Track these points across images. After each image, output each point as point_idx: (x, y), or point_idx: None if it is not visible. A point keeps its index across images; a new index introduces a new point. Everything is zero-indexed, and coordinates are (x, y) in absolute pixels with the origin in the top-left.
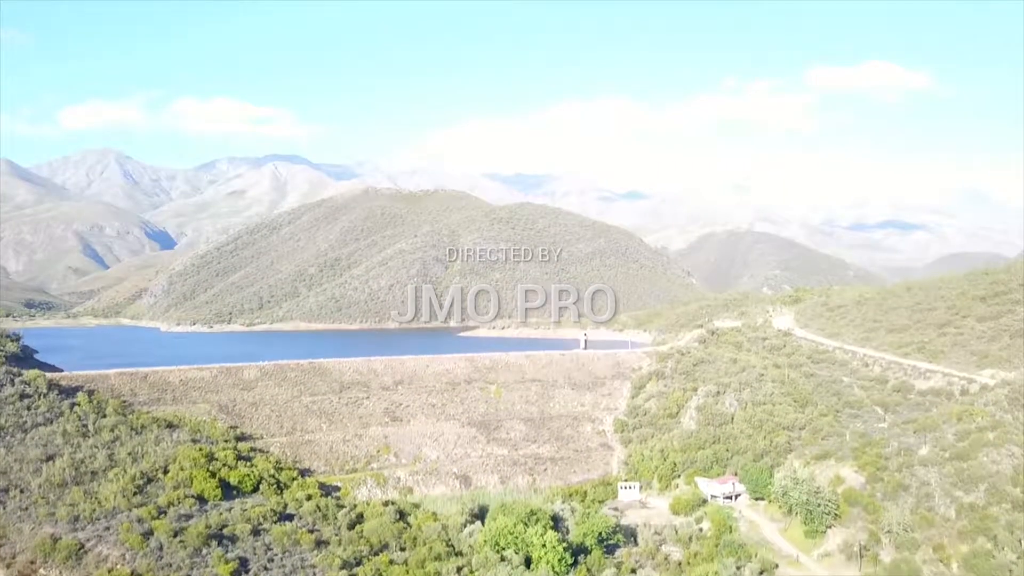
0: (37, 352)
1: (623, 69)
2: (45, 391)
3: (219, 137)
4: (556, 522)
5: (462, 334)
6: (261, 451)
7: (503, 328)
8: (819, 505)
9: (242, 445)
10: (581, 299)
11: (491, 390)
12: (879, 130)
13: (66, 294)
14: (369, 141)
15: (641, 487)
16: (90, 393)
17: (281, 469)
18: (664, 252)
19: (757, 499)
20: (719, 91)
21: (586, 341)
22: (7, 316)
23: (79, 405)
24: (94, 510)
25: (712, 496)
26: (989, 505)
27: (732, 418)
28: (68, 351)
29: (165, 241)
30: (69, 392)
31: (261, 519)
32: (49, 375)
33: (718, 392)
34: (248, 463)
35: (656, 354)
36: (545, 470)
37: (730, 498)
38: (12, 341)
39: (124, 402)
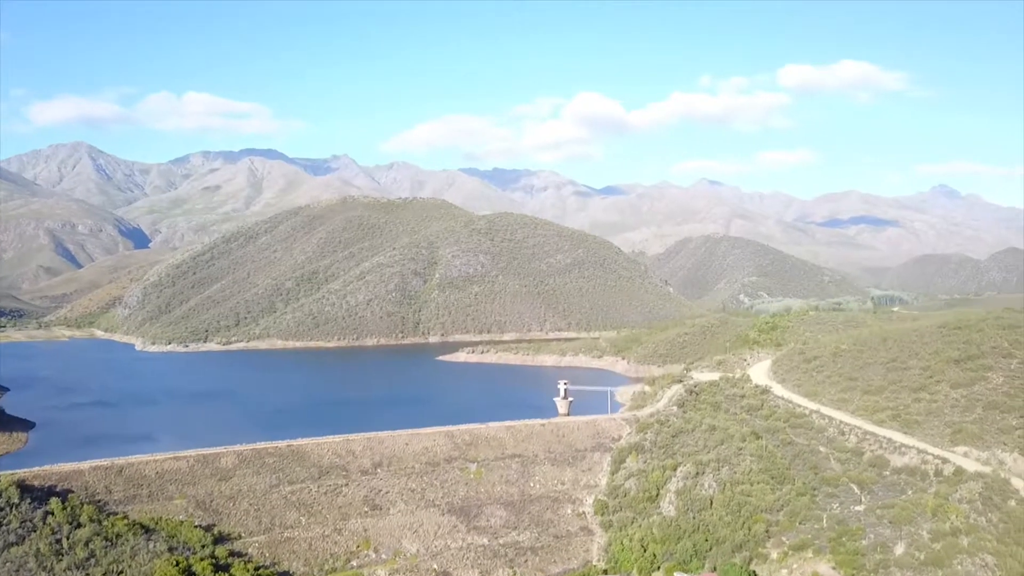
0: (8, 390)
1: (599, 66)
2: (17, 500)
3: (194, 133)
4: None
5: (441, 358)
6: (239, 554)
7: (482, 352)
8: None
9: (220, 550)
10: (560, 312)
11: (471, 470)
12: (853, 129)
13: (38, 298)
14: (347, 136)
15: None
16: (64, 497)
17: None
18: (642, 257)
19: None
20: (695, 89)
21: (566, 390)
22: None
23: (52, 515)
24: None
25: None
26: None
27: (711, 502)
28: (39, 385)
29: (139, 238)
30: (42, 497)
31: None
32: (21, 473)
33: (696, 473)
34: (226, 574)
35: (636, 422)
36: (525, 561)
37: None
38: None
39: (99, 503)
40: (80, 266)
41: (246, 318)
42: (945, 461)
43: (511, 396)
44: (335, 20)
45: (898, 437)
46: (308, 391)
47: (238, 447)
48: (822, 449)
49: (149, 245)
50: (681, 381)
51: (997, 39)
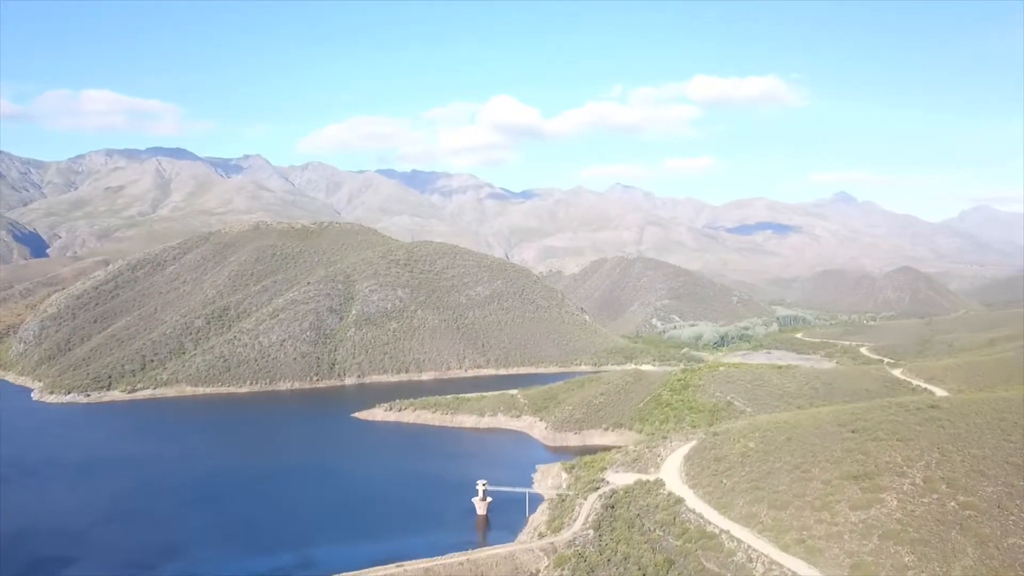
0: None
1: (514, 72)
2: None
3: (96, 132)
4: None
5: (356, 415)
6: None
7: (400, 411)
8: None
9: None
10: (479, 349)
11: None
12: (757, 139)
13: None
14: (259, 136)
15: None
16: None
17: None
18: (559, 278)
19: None
20: (608, 98)
21: (485, 491)
22: None
23: None
24: None
25: None
26: None
27: None
28: None
29: (36, 244)
30: None
31: None
32: None
33: None
34: None
35: (554, 552)
36: None
37: None
38: None
39: None
40: None
41: (153, 361)
42: None
43: (429, 471)
44: (245, 17)
45: (802, 569)
46: (211, 458)
47: None
48: None
49: (47, 252)
50: (597, 488)
51: (896, 57)
